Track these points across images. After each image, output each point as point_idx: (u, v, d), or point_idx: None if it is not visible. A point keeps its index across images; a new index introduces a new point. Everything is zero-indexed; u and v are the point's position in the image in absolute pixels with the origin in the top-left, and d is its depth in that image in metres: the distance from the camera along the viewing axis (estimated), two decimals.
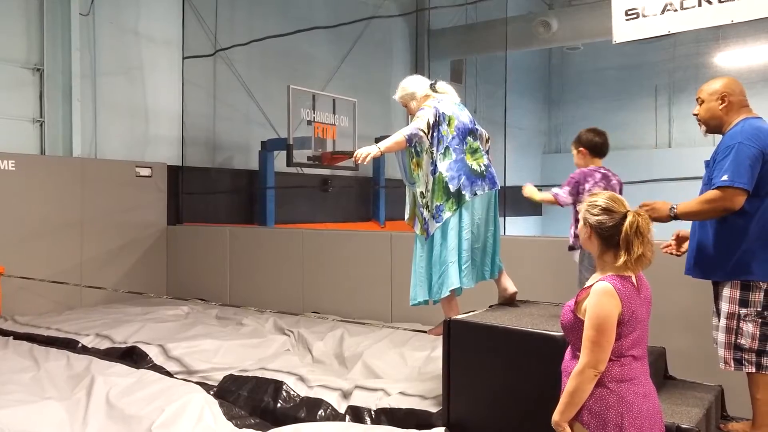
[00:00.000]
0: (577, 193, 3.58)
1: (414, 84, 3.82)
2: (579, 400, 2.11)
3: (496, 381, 3.14)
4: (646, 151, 14.28)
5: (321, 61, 10.30)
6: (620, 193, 3.55)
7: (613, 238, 2.14)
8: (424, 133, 3.51)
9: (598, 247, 2.19)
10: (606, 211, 2.16)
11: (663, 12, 4.02)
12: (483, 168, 3.69)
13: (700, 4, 3.89)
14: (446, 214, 3.54)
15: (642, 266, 2.16)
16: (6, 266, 6.21)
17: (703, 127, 3.12)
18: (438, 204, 3.54)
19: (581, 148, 3.67)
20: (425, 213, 3.60)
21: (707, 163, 3.03)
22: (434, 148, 3.54)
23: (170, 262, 7.77)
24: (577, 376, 2.11)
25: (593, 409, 2.12)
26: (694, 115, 3.13)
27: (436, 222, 3.56)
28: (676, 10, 3.98)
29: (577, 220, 3.22)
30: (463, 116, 3.72)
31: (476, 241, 3.65)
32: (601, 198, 2.19)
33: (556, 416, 2.16)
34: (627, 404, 2.10)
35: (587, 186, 3.56)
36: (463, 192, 3.56)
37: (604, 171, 3.65)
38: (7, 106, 6.90)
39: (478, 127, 3.85)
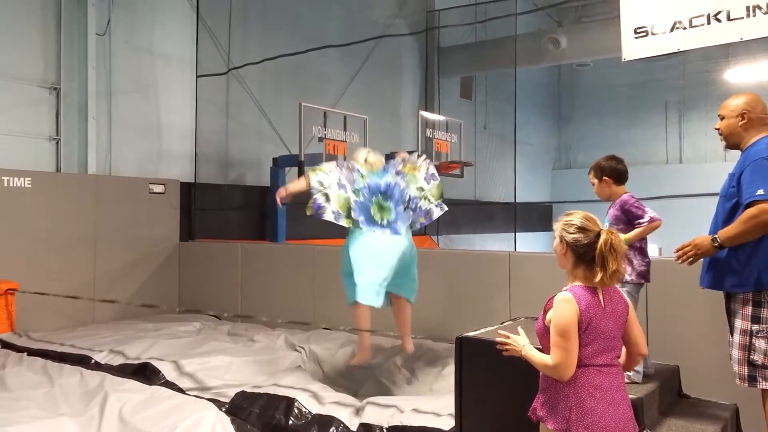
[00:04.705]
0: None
1: (358, 154, 4.85)
2: (535, 365, 2.34)
3: (508, 398, 3.13)
4: (657, 167, 14.25)
5: (332, 79, 10.41)
6: None
7: (586, 254, 2.30)
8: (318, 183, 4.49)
9: (571, 263, 2.35)
10: (581, 230, 2.32)
11: (672, 30, 4.04)
12: (384, 222, 4.55)
13: (709, 22, 3.91)
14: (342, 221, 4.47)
15: (616, 281, 2.31)
16: (21, 282, 6.27)
17: (724, 143, 3.15)
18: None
19: (605, 178, 3.48)
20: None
21: (731, 176, 3.02)
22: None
23: (182, 278, 7.82)
24: (545, 367, 2.29)
25: (548, 402, 2.33)
26: (716, 129, 3.16)
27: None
28: (685, 28, 4.00)
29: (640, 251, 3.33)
30: (378, 179, 4.64)
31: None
32: (576, 218, 2.36)
33: (517, 348, 2.39)
34: (580, 401, 2.24)
35: None
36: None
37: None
38: (24, 124, 7.02)
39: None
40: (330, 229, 9.83)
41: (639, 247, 3.38)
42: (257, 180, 9.36)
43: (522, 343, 2.38)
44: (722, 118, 3.11)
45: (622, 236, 3.06)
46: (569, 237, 2.33)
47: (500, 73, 12.95)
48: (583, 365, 2.25)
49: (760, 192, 2.79)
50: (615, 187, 3.49)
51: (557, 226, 2.39)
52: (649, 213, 3.35)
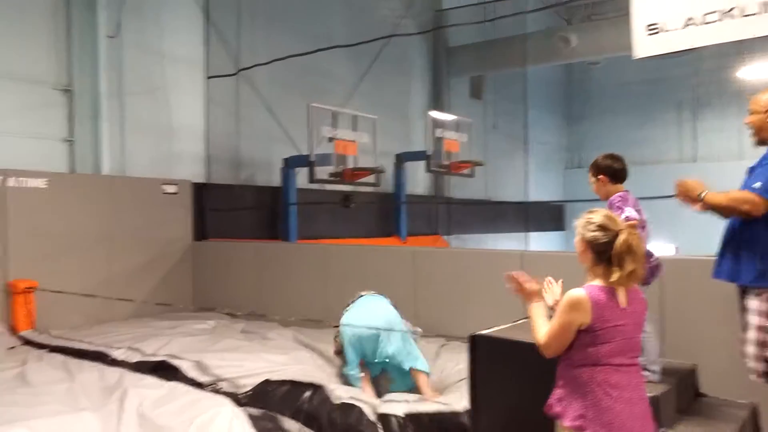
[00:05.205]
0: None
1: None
2: (531, 325, 2.42)
3: (522, 395, 3.14)
4: (670, 166, 14.16)
5: (341, 79, 10.45)
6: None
7: (605, 253, 2.30)
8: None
9: (591, 260, 2.36)
10: (601, 228, 2.32)
11: (685, 26, 4.02)
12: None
13: (722, 19, 3.89)
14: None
15: (633, 281, 2.32)
16: (39, 281, 6.36)
17: (755, 138, 3.14)
18: None
19: (600, 176, 3.44)
20: None
21: (750, 170, 3.05)
22: None
23: (196, 277, 7.88)
24: (535, 337, 2.37)
25: (564, 398, 2.33)
26: (746, 123, 3.16)
27: None
28: (698, 25, 3.98)
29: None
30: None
31: None
32: (597, 216, 2.37)
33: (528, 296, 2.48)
34: (596, 400, 2.25)
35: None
36: None
37: (631, 196, 3.47)
38: (38, 126, 7.10)
39: None
40: (341, 228, 9.92)
41: None
42: (268, 180, 9.41)
43: (533, 298, 2.44)
44: (752, 113, 3.11)
45: None
46: (589, 235, 2.34)
47: (510, 72, 12.92)
48: (600, 364, 2.26)
49: (757, 185, 2.86)
50: (611, 186, 3.43)
51: (579, 223, 2.40)
52: (627, 212, 3.25)
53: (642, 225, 3.27)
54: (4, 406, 3.91)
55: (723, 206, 2.93)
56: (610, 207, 3.36)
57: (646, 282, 3.34)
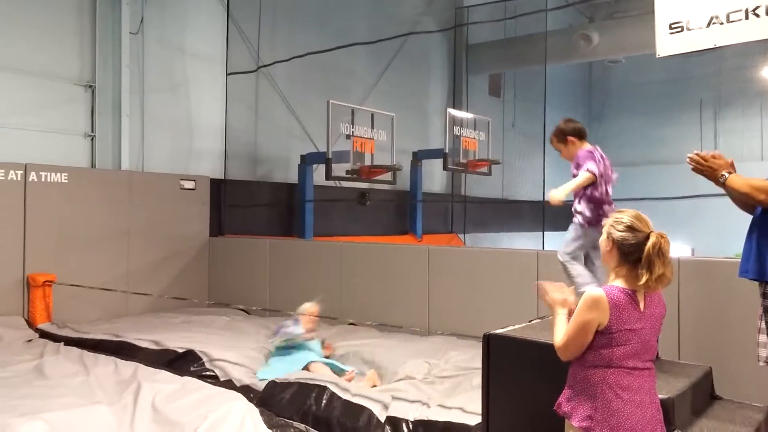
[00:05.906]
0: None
1: None
2: (553, 330, 2.39)
3: (535, 395, 3.11)
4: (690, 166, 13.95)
5: (360, 76, 10.45)
6: (611, 170, 3.62)
7: (632, 254, 2.25)
8: None
9: (616, 261, 2.30)
10: (630, 229, 2.27)
11: (708, 25, 3.95)
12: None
13: (747, 17, 3.81)
14: None
15: (662, 285, 2.25)
16: (58, 274, 6.45)
17: None
18: None
19: (570, 138, 3.61)
20: None
21: None
22: None
23: (212, 273, 7.94)
24: (554, 340, 2.35)
25: (573, 398, 2.31)
26: None
27: None
28: (722, 23, 3.90)
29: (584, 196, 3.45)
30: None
31: None
32: (627, 216, 2.31)
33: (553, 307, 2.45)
34: (606, 402, 2.22)
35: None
36: None
37: (599, 151, 3.63)
38: (61, 121, 7.21)
39: None
40: (357, 226, 9.92)
41: (587, 194, 3.50)
42: (285, 177, 9.45)
43: (559, 308, 2.40)
44: None
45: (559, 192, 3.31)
46: (617, 234, 2.29)
47: (530, 71, 12.82)
48: (613, 366, 2.23)
49: None
50: (579, 143, 3.59)
51: (606, 222, 2.36)
52: (588, 166, 3.42)
53: (607, 180, 3.49)
54: (21, 399, 3.97)
55: (740, 191, 2.84)
56: (577, 161, 3.52)
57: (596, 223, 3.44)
